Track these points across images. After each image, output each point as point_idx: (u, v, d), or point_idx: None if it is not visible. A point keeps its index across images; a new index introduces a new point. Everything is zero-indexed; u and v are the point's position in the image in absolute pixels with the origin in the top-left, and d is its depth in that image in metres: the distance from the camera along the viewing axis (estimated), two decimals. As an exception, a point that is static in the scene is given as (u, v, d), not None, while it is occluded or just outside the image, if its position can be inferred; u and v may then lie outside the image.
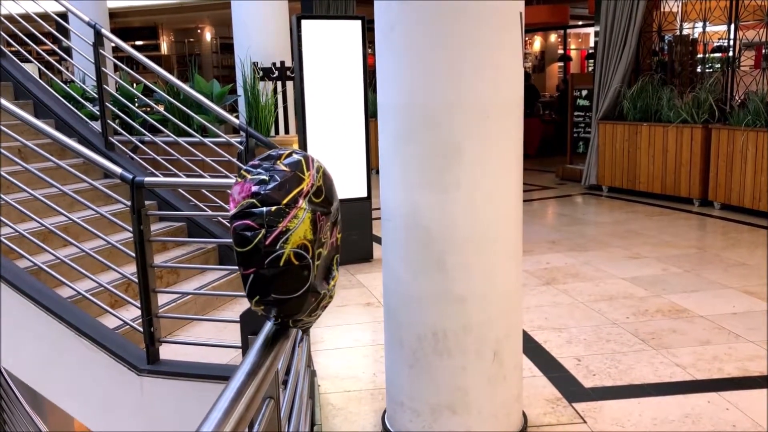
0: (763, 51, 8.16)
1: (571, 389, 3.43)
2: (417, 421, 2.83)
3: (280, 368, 1.47)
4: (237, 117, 6.93)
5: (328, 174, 1.51)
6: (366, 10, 6.58)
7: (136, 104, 5.94)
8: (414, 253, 2.74)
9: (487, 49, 2.57)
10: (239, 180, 1.39)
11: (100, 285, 3.54)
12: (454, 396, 2.76)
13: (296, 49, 5.51)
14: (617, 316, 4.42)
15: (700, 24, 8.40)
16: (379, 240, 6.03)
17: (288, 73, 7.59)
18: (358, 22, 5.57)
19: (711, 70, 8.66)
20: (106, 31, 5.18)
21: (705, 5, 8.22)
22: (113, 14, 11.08)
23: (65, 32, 5.90)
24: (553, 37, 17.34)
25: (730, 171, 7.35)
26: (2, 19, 5.65)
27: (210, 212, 4.79)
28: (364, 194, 5.76)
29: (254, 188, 1.36)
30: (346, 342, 4.20)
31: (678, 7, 8.80)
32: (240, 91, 7.02)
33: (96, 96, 5.31)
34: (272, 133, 6.94)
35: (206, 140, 5.03)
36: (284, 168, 1.40)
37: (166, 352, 3.41)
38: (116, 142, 5.28)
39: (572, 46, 17.49)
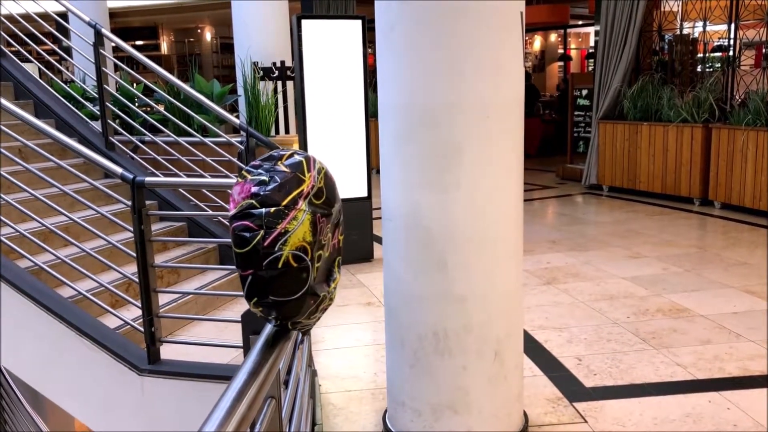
0: (764, 50, 8.16)
1: (571, 389, 3.43)
2: (418, 421, 2.83)
3: (281, 368, 1.47)
4: (237, 117, 6.93)
5: (330, 175, 1.50)
6: (366, 9, 6.58)
7: (137, 104, 5.94)
8: (415, 253, 2.74)
9: (488, 49, 2.57)
10: (240, 180, 1.39)
11: (101, 285, 3.54)
12: (455, 396, 2.76)
13: (296, 48, 5.51)
14: (618, 315, 4.42)
15: (701, 23, 8.40)
16: (379, 240, 6.03)
17: (288, 72, 7.59)
18: (359, 22, 5.57)
19: (711, 69, 8.66)
20: (106, 31, 5.18)
21: (705, 5, 8.22)
22: (113, 14, 11.08)
23: (65, 32, 5.90)
24: (553, 37, 17.34)
25: (730, 170, 7.35)
26: (2, 19, 5.65)
27: (210, 212, 4.79)
28: (365, 194, 5.76)
29: (254, 189, 1.35)
30: (347, 342, 4.20)
31: (678, 6, 8.79)
32: (240, 90, 7.01)
33: (96, 96, 5.31)
34: (272, 132, 6.94)
35: (207, 140, 5.03)
36: (285, 169, 1.39)
37: (167, 351, 3.41)
38: (117, 142, 5.28)
39: (572, 46, 17.49)
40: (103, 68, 5.10)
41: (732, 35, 7.82)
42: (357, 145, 5.73)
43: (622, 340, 4.00)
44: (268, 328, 1.42)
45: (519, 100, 2.74)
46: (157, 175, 4.88)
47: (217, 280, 4.48)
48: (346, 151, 5.69)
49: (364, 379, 3.65)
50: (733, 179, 7.33)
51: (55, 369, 3.56)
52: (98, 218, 3.79)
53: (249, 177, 1.38)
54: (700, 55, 9.01)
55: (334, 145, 5.64)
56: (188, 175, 4.84)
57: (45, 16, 5.55)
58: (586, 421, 3.11)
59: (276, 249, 1.31)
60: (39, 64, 6.33)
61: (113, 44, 5.97)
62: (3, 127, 3.78)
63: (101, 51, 5.09)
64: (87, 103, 5.63)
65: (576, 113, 10.08)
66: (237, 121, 5.14)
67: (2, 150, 3.68)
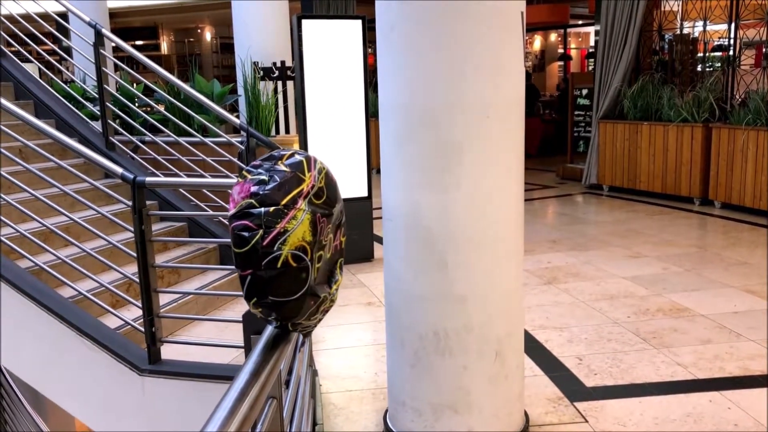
0: (764, 50, 8.16)
1: (572, 388, 3.43)
2: (419, 421, 2.83)
3: (282, 368, 1.47)
4: (237, 117, 6.93)
5: (331, 176, 1.49)
6: (366, 9, 6.58)
7: (137, 104, 5.94)
8: (415, 253, 2.74)
9: (488, 49, 2.57)
10: (240, 180, 1.39)
11: (101, 285, 3.53)
12: (455, 395, 2.76)
13: (297, 48, 5.51)
14: (618, 315, 4.42)
15: (701, 23, 8.40)
16: (380, 240, 6.03)
17: (288, 72, 7.59)
18: (359, 22, 5.57)
19: (711, 69, 8.65)
20: (106, 31, 5.18)
21: (705, 4, 8.22)
22: (113, 14, 11.08)
23: (65, 32, 5.90)
24: (553, 37, 17.33)
25: (730, 170, 7.35)
26: (2, 19, 5.65)
27: (211, 212, 4.79)
28: (365, 194, 5.76)
29: (253, 188, 1.35)
30: (348, 341, 4.20)
31: (678, 6, 8.79)
32: (240, 90, 7.01)
33: (96, 96, 5.31)
34: (273, 132, 6.94)
35: (207, 140, 5.03)
36: (284, 168, 1.39)
37: (168, 352, 3.41)
38: (117, 142, 5.28)
39: (572, 46, 17.49)
40: (104, 68, 5.10)
41: (732, 35, 7.82)
42: (357, 145, 5.73)
43: (623, 340, 4.00)
44: (270, 329, 1.42)
45: (519, 99, 2.74)
46: (158, 175, 4.88)
47: (217, 280, 4.48)
48: (346, 151, 5.69)
49: (365, 379, 3.65)
50: (733, 179, 7.33)
51: (55, 369, 3.56)
52: (98, 218, 3.79)
53: (249, 177, 1.38)
54: (701, 54, 9.01)
55: (335, 145, 5.65)
56: (188, 175, 4.84)
57: (45, 16, 5.55)
58: (586, 421, 3.11)
59: (275, 248, 1.30)
60: (39, 64, 6.32)
61: (113, 44, 5.97)
62: (3, 128, 3.78)
63: (101, 51, 5.09)
64: (87, 103, 5.63)
65: (576, 113, 10.08)
66: (237, 121, 5.14)
67: (3, 150, 3.68)
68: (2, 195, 3.65)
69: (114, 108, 5.36)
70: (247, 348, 2.87)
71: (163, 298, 3.68)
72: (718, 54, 9.44)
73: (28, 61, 5.91)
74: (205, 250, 4.81)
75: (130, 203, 3.23)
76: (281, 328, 1.41)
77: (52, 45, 6.35)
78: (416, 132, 2.66)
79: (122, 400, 3.42)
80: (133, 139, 5.22)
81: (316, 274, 1.40)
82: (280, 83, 7.68)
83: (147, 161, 5.17)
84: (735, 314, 4.35)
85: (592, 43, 13.33)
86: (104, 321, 3.55)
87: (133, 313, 3.60)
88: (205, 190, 5.08)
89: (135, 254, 3.21)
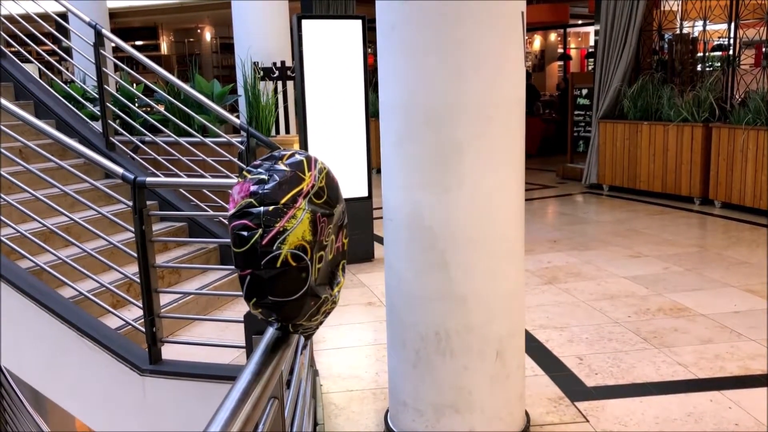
0: (764, 49, 8.16)
1: (573, 388, 3.43)
2: (420, 421, 2.83)
3: (283, 368, 1.47)
4: (238, 117, 6.93)
5: (332, 176, 1.49)
6: (366, 9, 6.58)
7: (137, 104, 5.94)
8: (416, 253, 2.74)
9: (489, 49, 2.57)
10: (240, 180, 1.38)
11: (102, 285, 3.53)
12: (457, 395, 2.76)
13: (297, 48, 5.51)
14: (619, 315, 4.42)
15: (701, 23, 8.40)
16: (380, 240, 6.03)
17: (288, 72, 7.59)
18: (359, 22, 5.57)
19: (711, 68, 8.65)
20: (106, 32, 5.18)
21: (705, 4, 8.22)
22: (113, 14, 11.08)
23: (65, 32, 5.90)
24: (552, 36, 17.33)
25: (730, 169, 7.35)
26: (2, 19, 5.65)
27: (211, 212, 4.79)
28: (365, 194, 5.76)
29: (253, 188, 1.34)
30: (349, 342, 4.20)
31: (678, 5, 8.79)
32: (240, 91, 7.01)
33: (96, 96, 5.31)
34: (273, 133, 6.94)
35: (207, 140, 5.03)
36: (284, 168, 1.38)
37: (168, 352, 3.41)
38: (117, 143, 5.28)
39: (572, 45, 17.49)
40: (104, 68, 5.09)
41: (732, 34, 7.82)
42: (357, 145, 5.73)
43: (624, 340, 4.00)
44: (271, 329, 1.42)
45: (520, 99, 2.74)
46: (158, 176, 4.88)
47: (218, 280, 4.48)
48: (346, 151, 5.69)
49: (366, 379, 3.65)
50: (733, 178, 7.33)
51: (56, 369, 3.56)
52: (99, 218, 3.79)
53: (249, 176, 1.38)
54: (700, 54, 9.01)
55: (335, 145, 5.65)
56: (188, 176, 4.84)
57: (45, 16, 5.55)
58: (587, 421, 3.11)
59: (274, 247, 1.29)
60: (39, 65, 6.32)
61: (113, 44, 5.97)
62: (4, 128, 3.78)
63: (101, 51, 5.08)
64: (87, 104, 5.63)
65: (576, 113, 10.08)
66: (237, 121, 5.14)
67: (3, 150, 3.68)
68: (3, 195, 3.65)
69: (114, 108, 5.36)
70: (249, 348, 2.87)
71: (164, 299, 3.68)
72: (718, 54, 9.44)
73: (28, 61, 5.91)
74: (206, 250, 4.81)
75: (130, 203, 3.23)
76: (282, 330, 1.40)
77: (52, 45, 6.35)
78: (417, 132, 2.66)
79: (123, 400, 3.42)
80: (133, 139, 5.22)
81: (316, 275, 1.39)
82: (280, 83, 7.68)
83: (147, 161, 5.17)
84: (736, 314, 4.35)
85: (591, 42, 13.34)
86: (105, 321, 3.55)
87: (133, 313, 3.60)
88: (205, 191, 5.08)
89: (135, 254, 3.21)
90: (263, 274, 1.29)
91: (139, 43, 16.30)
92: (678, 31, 8.82)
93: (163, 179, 4.46)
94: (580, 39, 17.89)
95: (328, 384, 3.59)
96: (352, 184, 5.66)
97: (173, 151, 4.90)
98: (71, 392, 3.59)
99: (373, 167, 6.05)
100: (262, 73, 7.42)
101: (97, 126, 5.42)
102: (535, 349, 3.90)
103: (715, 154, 7.54)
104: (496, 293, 2.76)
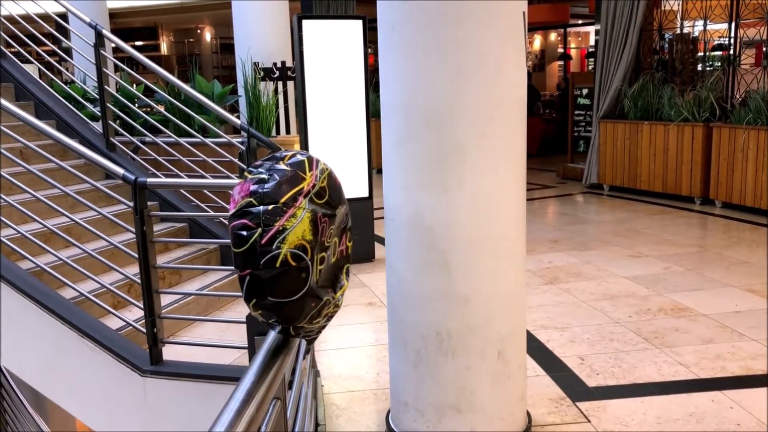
0: (764, 49, 8.15)
1: (574, 388, 3.42)
2: (421, 421, 2.83)
3: (286, 369, 1.46)
4: (238, 117, 6.92)
5: (334, 177, 1.48)
6: (366, 9, 6.58)
7: (137, 105, 5.94)
8: (417, 253, 2.74)
9: (490, 49, 2.57)
10: (241, 180, 1.38)
11: (103, 286, 3.53)
12: (458, 396, 2.76)
13: (297, 49, 5.51)
14: (620, 315, 4.42)
15: (701, 22, 8.39)
16: (380, 240, 6.03)
17: (289, 73, 7.58)
18: (359, 22, 5.57)
19: (712, 68, 8.65)
20: (107, 32, 5.17)
21: (705, 4, 8.21)
22: (113, 15, 11.07)
23: (65, 33, 5.89)
24: (553, 36, 17.33)
25: (731, 169, 7.35)
26: (2, 20, 5.64)
27: (212, 213, 4.79)
28: (366, 194, 5.76)
29: (253, 187, 1.33)
30: (349, 342, 4.19)
31: (678, 5, 8.79)
32: (241, 91, 7.01)
33: (97, 97, 5.30)
34: (273, 133, 6.94)
35: (207, 140, 5.03)
36: (285, 167, 1.38)
37: (169, 352, 3.40)
38: (117, 143, 5.27)
39: (572, 45, 17.49)
40: (104, 69, 5.09)
41: (732, 34, 7.81)
42: (358, 145, 5.72)
43: (625, 340, 4.00)
44: (274, 332, 1.41)
45: (521, 99, 2.74)
46: (158, 176, 4.88)
47: (218, 280, 4.48)
48: (347, 151, 5.69)
49: (367, 380, 3.65)
50: (734, 178, 7.33)
51: (57, 370, 3.56)
52: (99, 219, 3.79)
53: (249, 176, 1.37)
54: (701, 54, 9.01)
55: (336, 145, 5.64)
56: (189, 176, 4.83)
57: (45, 17, 5.54)
58: (589, 421, 3.10)
59: (274, 247, 1.27)
60: (39, 65, 6.32)
61: (113, 45, 5.96)
62: (4, 128, 3.78)
63: (102, 52, 5.08)
64: (87, 104, 5.62)
65: (576, 112, 10.08)
66: (238, 121, 5.13)
67: (3, 151, 3.68)
68: (3, 196, 3.64)
69: (114, 109, 5.36)
70: (251, 349, 2.87)
71: (165, 299, 3.67)
72: (719, 53, 9.44)
73: (28, 62, 5.91)
74: (206, 250, 4.81)
75: (131, 204, 3.23)
76: (283, 333, 1.39)
77: (52, 46, 6.35)
78: (418, 132, 2.66)
79: (124, 401, 3.42)
80: (134, 139, 5.22)
81: (317, 276, 1.38)
82: (280, 83, 7.68)
83: (147, 162, 5.17)
84: (736, 314, 4.35)
85: (592, 42, 13.34)
86: (106, 322, 3.55)
87: (134, 314, 3.60)
88: (205, 191, 5.07)
89: (136, 255, 3.21)
90: (263, 274, 1.28)
91: (139, 43, 16.29)
92: (678, 31, 8.82)
93: (164, 180, 4.46)
94: (580, 39, 17.89)
95: (329, 384, 3.59)
96: (353, 185, 5.66)
97: (173, 152, 4.90)
98: (72, 393, 3.59)
99: (374, 167, 6.04)
100: (262, 73, 7.41)
101: (98, 126, 5.41)
102: (536, 349, 3.90)
103: (715, 154, 7.54)
104: (497, 293, 2.76)
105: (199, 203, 5.05)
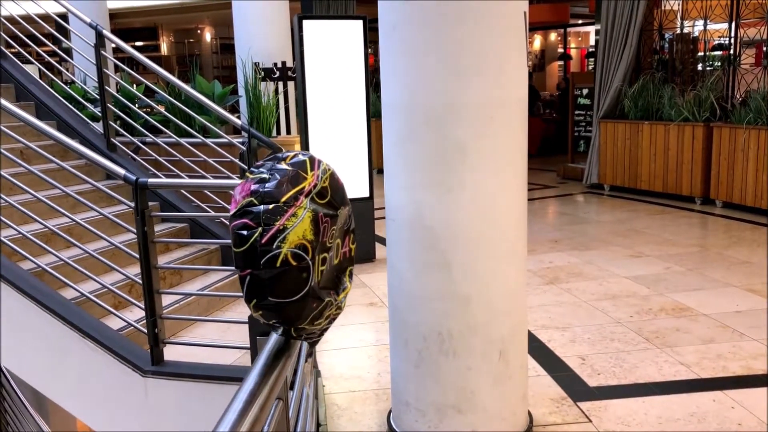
0: (764, 49, 8.15)
1: (575, 388, 3.42)
2: (423, 421, 2.83)
3: (288, 370, 1.46)
4: (239, 117, 6.92)
5: (336, 177, 1.47)
6: (366, 9, 6.58)
7: (137, 105, 5.94)
8: (418, 253, 2.74)
9: (491, 49, 2.57)
10: (242, 180, 1.38)
11: (104, 286, 3.53)
12: (459, 396, 2.76)
13: (298, 49, 5.51)
14: (621, 315, 4.41)
15: (701, 22, 8.39)
16: (381, 240, 6.03)
17: (289, 73, 7.58)
18: (360, 22, 5.57)
19: (712, 68, 8.65)
20: (107, 32, 5.17)
21: (706, 3, 8.21)
22: (113, 15, 11.07)
23: (65, 33, 5.89)
24: (553, 36, 17.33)
25: (731, 169, 7.35)
26: (2, 20, 5.64)
27: (213, 213, 4.79)
28: (366, 194, 5.76)
29: (254, 186, 1.33)
30: (350, 342, 4.19)
31: (678, 5, 8.79)
32: (241, 91, 7.01)
33: (97, 97, 5.30)
34: (274, 133, 6.93)
35: (208, 141, 5.03)
36: (286, 167, 1.37)
37: (170, 353, 3.40)
38: (118, 143, 5.27)
39: (572, 45, 17.48)
40: (104, 69, 5.09)
41: (732, 34, 7.81)
42: (358, 146, 5.72)
43: (626, 340, 4.00)
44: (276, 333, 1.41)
45: (522, 100, 2.74)
46: (159, 177, 4.88)
47: (219, 281, 4.48)
48: (347, 152, 5.69)
49: (368, 380, 3.65)
50: (734, 178, 7.33)
51: (57, 370, 3.55)
52: (100, 219, 3.79)
53: (250, 176, 1.37)
54: (701, 53, 9.01)
55: (336, 145, 5.64)
56: (190, 176, 4.83)
57: (45, 17, 5.54)
58: (590, 421, 3.10)
59: (274, 246, 1.27)
60: (39, 66, 6.32)
61: (113, 45, 5.96)
62: (5, 129, 3.78)
63: (102, 52, 5.08)
64: (88, 105, 5.62)
65: (577, 112, 10.08)
66: (238, 121, 5.13)
67: (4, 152, 3.68)
68: (4, 197, 3.64)
69: (115, 109, 5.36)
70: (253, 349, 2.87)
71: (166, 300, 3.67)
72: (719, 53, 9.43)
73: (28, 62, 5.91)
74: (207, 251, 4.81)
75: (131, 204, 3.23)
76: (285, 335, 1.39)
77: (53, 46, 6.34)
78: (419, 132, 2.66)
79: (125, 402, 3.42)
80: (134, 140, 5.22)
81: (319, 277, 1.37)
82: (281, 84, 7.68)
83: (148, 162, 5.17)
84: (737, 313, 4.35)
85: (592, 42, 13.33)
86: (107, 322, 3.55)
87: (135, 314, 3.60)
88: (206, 191, 5.07)
89: (137, 255, 3.21)
90: (263, 274, 1.27)
91: (139, 43, 16.30)
92: (678, 31, 8.81)
93: (165, 180, 4.46)
94: (580, 39, 17.88)
95: (330, 385, 3.58)
96: (353, 185, 5.65)
97: (174, 152, 4.90)
98: (73, 393, 3.58)
99: (374, 167, 6.04)
100: (263, 73, 7.41)
101: (98, 127, 5.41)
102: (537, 349, 3.90)
103: (716, 154, 7.54)
104: (498, 293, 2.76)
105: (200, 203, 5.05)
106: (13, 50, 5.77)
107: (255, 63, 7.57)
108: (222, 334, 3.91)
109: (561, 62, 17.02)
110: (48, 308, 3.44)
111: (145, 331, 3.28)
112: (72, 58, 6.33)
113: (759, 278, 5.04)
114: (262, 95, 6.52)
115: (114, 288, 3.53)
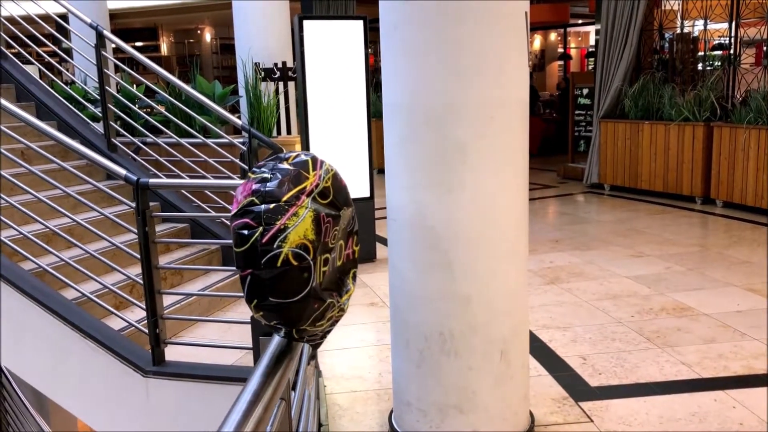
0: (764, 48, 8.15)
1: (577, 388, 3.42)
2: (424, 421, 2.82)
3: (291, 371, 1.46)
4: (239, 118, 6.92)
5: (339, 178, 1.47)
6: (366, 9, 6.58)
7: (138, 105, 5.94)
8: (419, 253, 2.74)
9: (490, 49, 2.57)
10: (244, 180, 1.37)
11: (105, 286, 3.53)
12: (461, 396, 2.76)
13: (298, 49, 5.51)
14: (622, 314, 4.41)
15: (701, 22, 8.39)
16: (382, 240, 6.03)
17: (290, 73, 7.58)
18: (360, 22, 5.57)
19: (712, 67, 8.65)
20: (107, 33, 5.17)
21: (706, 3, 8.21)
22: (113, 15, 11.06)
23: (66, 33, 5.89)
24: (553, 36, 17.33)
25: (732, 169, 7.35)
26: (3, 20, 5.64)
27: (214, 213, 4.79)
28: (367, 194, 5.76)
29: (255, 186, 1.32)
30: (351, 342, 4.19)
31: (679, 5, 8.79)
32: (242, 91, 7.01)
33: (98, 97, 5.30)
34: (274, 133, 6.94)
35: (209, 141, 5.03)
36: (288, 167, 1.37)
37: (171, 353, 3.40)
38: (119, 144, 5.27)
39: (572, 45, 17.48)
40: (105, 70, 5.09)
41: (732, 33, 7.81)
42: (359, 146, 5.72)
43: (627, 339, 4.00)
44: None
45: (523, 100, 2.74)
46: (160, 177, 4.88)
47: (220, 281, 4.48)
48: (348, 152, 5.69)
49: (369, 380, 3.65)
50: (734, 177, 7.33)
51: (59, 371, 3.56)
52: (101, 220, 3.79)
53: (252, 176, 1.36)
54: (701, 53, 9.01)
55: (337, 145, 5.64)
56: (190, 176, 4.83)
57: (45, 17, 5.54)
58: (591, 421, 3.10)
59: (275, 246, 1.26)
60: (40, 66, 6.32)
61: (114, 45, 5.96)
62: (5, 129, 3.78)
63: (102, 52, 5.08)
64: (88, 105, 5.62)
65: (577, 112, 10.08)
66: (239, 122, 5.13)
67: (5, 152, 3.68)
68: (5, 197, 3.64)
69: (115, 109, 5.36)
70: (255, 349, 2.87)
71: (167, 300, 3.67)
72: (719, 53, 9.43)
73: (28, 62, 5.91)
74: (208, 251, 4.81)
75: (132, 205, 3.23)
76: (287, 337, 1.38)
77: (53, 46, 6.34)
78: (420, 132, 2.66)
79: (126, 402, 3.42)
80: (135, 140, 5.22)
81: (321, 278, 1.36)
82: (281, 84, 7.68)
83: (148, 162, 5.17)
84: (738, 313, 4.35)
85: (592, 42, 13.33)
86: (108, 322, 3.55)
87: (136, 314, 3.60)
88: (207, 191, 5.07)
89: (138, 255, 3.21)
90: (263, 274, 1.26)
91: (139, 44, 16.30)
92: (679, 31, 8.81)
93: (166, 180, 4.46)
94: (580, 38, 17.88)
95: (331, 385, 3.58)
96: (354, 185, 5.62)
97: (175, 152, 4.90)
98: (74, 393, 3.59)
99: (375, 167, 6.04)
100: (263, 73, 7.41)
101: (99, 127, 5.41)
102: (538, 349, 3.90)
103: (716, 154, 7.54)
104: (499, 293, 2.76)
105: (201, 204, 5.05)
106: (13, 51, 5.77)
107: (255, 63, 7.58)
108: (223, 335, 3.91)
109: (561, 62, 17.03)
110: (49, 308, 3.44)
111: (146, 331, 3.28)
112: (72, 59, 6.33)
113: (759, 278, 5.04)
114: (263, 95, 6.52)
115: (115, 288, 3.53)
